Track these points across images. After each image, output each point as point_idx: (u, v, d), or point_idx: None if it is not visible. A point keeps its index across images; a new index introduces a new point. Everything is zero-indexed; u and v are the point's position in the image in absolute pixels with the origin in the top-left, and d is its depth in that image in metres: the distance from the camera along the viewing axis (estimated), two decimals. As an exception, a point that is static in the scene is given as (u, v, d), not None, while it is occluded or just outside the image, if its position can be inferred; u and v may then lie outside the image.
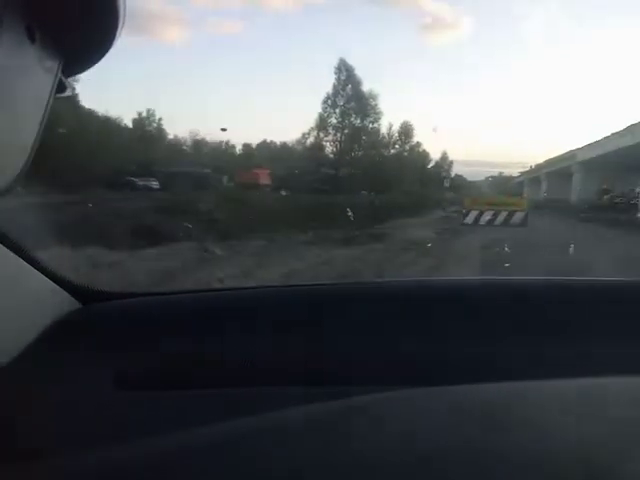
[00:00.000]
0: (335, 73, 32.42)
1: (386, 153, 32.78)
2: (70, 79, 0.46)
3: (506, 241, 7.94)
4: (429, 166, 37.02)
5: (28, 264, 0.84)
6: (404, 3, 47.17)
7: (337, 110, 32.80)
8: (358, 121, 32.88)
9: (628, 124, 25.19)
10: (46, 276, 0.89)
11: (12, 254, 0.80)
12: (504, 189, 38.41)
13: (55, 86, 0.43)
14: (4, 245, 0.77)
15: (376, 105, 33.02)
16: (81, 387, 0.77)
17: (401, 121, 33.17)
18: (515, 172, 44.32)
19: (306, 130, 33.34)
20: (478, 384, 0.49)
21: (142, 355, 0.85)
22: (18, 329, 0.82)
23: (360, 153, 31.55)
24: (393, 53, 42.90)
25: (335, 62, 32.72)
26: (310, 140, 31.61)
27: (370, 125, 32.45)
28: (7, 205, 0.72)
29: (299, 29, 43.44)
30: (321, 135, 31.30)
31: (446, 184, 16.45)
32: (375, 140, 31.86)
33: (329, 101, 32.72)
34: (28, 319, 0.84)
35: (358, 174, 26.87)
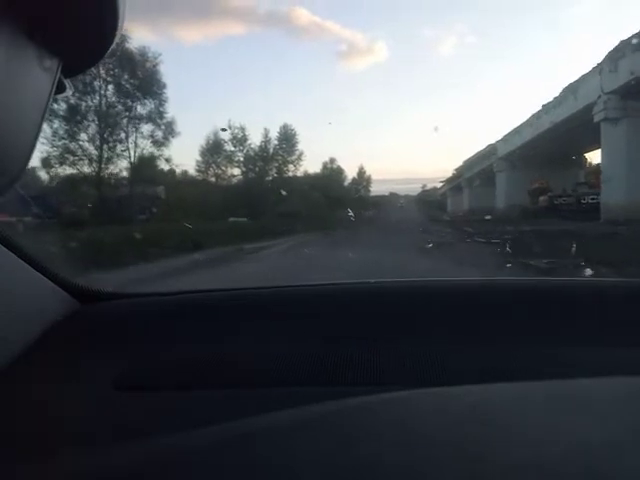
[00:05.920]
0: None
1: (268, 168, 25.96)
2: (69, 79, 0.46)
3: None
4: (345, 183, 33.32)
5: (27, 264, 0.85)
6: (319, 33, 45.16)
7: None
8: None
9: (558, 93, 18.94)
10: (45, 276, 0.90)
11: (12, 254, 0.81)
12: (429, 203, 32.79)
13: (54, 86, 0.43)
14: (4, 245, 0.79)
15: (160, 79, 19.51)
16: (81, 387, 0.78)
17: (281, 124, 26.28)
18: (439, 184, 38.92)
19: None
20: (478, 385, 0.50)
21: (142, 355, 0.85)
22: (18, 329, 0.83)
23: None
24: (312, 80, 42.22)
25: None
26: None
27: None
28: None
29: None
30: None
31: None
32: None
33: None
34: (28, 319, 0.85)
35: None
